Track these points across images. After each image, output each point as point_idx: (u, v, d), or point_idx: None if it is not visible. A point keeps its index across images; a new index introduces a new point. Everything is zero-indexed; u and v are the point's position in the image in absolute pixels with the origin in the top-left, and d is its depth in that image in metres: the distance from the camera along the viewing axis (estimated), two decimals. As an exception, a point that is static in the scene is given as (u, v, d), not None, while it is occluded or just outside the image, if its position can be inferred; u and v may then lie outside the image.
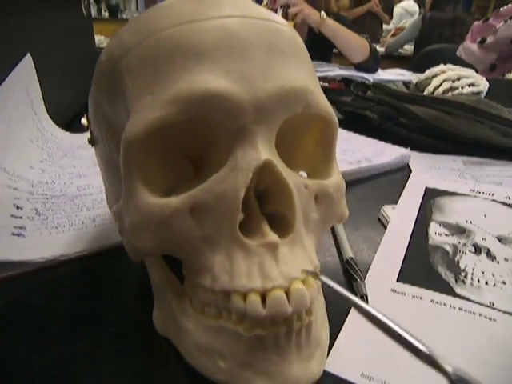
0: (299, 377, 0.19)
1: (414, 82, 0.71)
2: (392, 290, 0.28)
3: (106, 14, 3.35)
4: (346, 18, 2.22)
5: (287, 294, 0.18)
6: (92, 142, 0.28)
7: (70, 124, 0.61)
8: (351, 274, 0.29)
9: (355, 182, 0.47)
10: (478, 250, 0.33)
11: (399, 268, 0.30)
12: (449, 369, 0.14)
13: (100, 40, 1.23)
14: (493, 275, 0.30)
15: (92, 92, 0.25)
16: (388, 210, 0.38)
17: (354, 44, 1.17)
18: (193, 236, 0.19)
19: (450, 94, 0.66)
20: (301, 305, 0.18)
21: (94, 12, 3.11)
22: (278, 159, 0.19)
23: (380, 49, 2.24)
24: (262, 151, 0.18)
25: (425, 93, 0.67)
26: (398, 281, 0.29)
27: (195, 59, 0.18)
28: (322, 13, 1.13)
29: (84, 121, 0.28)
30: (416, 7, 2.93)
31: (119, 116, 0.21)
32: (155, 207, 0.19)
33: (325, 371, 0.21)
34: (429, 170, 0.51)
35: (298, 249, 0.19)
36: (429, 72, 0.70)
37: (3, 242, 0.31)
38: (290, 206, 0.19)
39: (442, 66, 0.71)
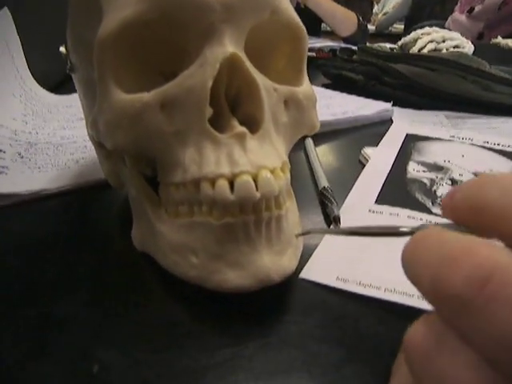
0: (270, 268, 0.19)
1: (400, 43, 0.71)
2: (370, 210, 0.29)
3: None
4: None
5: (255, 181, 0.18)
6: (71, 69, 0.28)
7: (54, 88, 0.61)
8: (325, 202, 0.30)
9: (338, 131, 0.47)
10: (454, 182, 0.34)
11: (377, 194, 0.31)
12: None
13: None
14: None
15: (69, 18, 0.25)
16: (368, 150, 0.39)
17: (341, 17, 1.16)
18: (164, 131, 0.20)
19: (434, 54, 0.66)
20: (268, 191, 0.18)
21: None
22: (246, 57, 0.20)
23: (371, 27, 2.23)
24: (230, 46, 0.19)
25: (411, 51, 0.67)
26: (375, 203, 0.30)
27: None
28: None
29: (62, 49, 0.28)
30: None
31: (95, 30, 0.21)
32: (127, 102, 0.19)
33: (302, 278, 0.22)
34: (411, 124, 0.51)
35: (266, 145, 0.20)
36: (414, 34, 0.70)
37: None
38: (258, 103, 0.20)
39: (427, 28, 0.71)
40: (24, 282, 0.22)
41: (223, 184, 0.18)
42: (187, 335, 0.19)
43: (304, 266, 0.23)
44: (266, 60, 0.25)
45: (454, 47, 0.69)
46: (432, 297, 0.11)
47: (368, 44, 1.23)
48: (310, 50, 1.01)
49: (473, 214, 0.12)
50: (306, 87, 0.23)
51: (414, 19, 1.98)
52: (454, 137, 0.43)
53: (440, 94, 0.56)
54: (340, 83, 0.69)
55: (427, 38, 0.68)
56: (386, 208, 0.29)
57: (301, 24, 0.22)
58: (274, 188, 0.18)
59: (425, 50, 0.67)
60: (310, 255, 0.24)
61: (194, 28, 0.19)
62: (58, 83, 0.63)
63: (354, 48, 1.02)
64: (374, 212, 0.29)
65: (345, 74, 0.66)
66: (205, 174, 0.18)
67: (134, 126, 0.20)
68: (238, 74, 0.19)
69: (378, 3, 2.61)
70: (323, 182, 0.32)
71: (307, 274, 0.23)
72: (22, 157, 0.36)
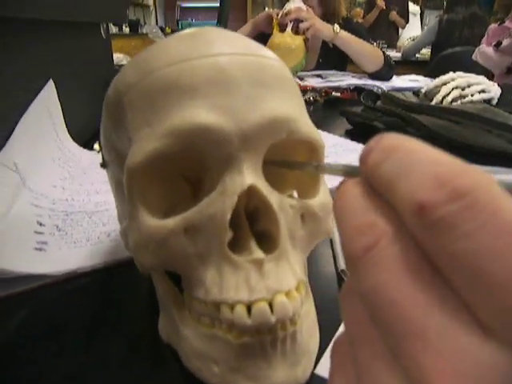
0: (284, 381, 0.20)
1: (423, 91, 0.71)
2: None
3: (126, 30, 3.46)
4: (362, 25, 2.23)
5: (271, 305, 0.19)
6: (104, 165, 0.30)
7: (89, 141, 0.65)
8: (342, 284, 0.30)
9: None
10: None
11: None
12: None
13: (119, 58, 1.28)
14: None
15: (102, 121, 0.28)
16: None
17: (368, 54, 1.17)
18: (188, 253, 0.21)
19: (459, 102, 0.66)
20: (283, 315, 0.19)
21: (114, 28, 3.22)
22: (263, 182, 0.21)
23: (396, 54, 2.23)
24: (248, 176, 0.20)
25: (433, 101, 0.68)
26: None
27: (187, 95, 0.21)
28: (336, 26, 1.14)
29: (96, 146, 0.31)
30: (417, 7, 2.91)
31: (123, 144, 0.24)
32: (154, 228, 0.21)
33: (315, 374, 0.23)
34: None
35: (283, 264, 0.21)
36: (438, 80, 0.70)
37: (27, 256, 0.34)
38: (275, 224, 0.21)
39: (451, 74, 0.71)
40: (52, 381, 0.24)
41: (241, 310, 0.19)
42: None
43: (319, 359, 0.24)
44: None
45: (480, 92, 0.69)
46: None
47: (394, 77, 1.24)
48: (336, 89, 1.03)
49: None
50: (321, 197, 0.24)
51: (441, 45, 1.97)
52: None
53: (464, 148, 0.56)
54: (363, 130, 0.70)
55: (451, 85, 0.68)
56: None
57: (317, 138, 0.23)
58: (289, 312, 0.19)
59: (449, 98, 0.67)
60: (325, 348, 0.24)
61: (213, 157, 0.21)
62: (93, 132, 0.67)
63: (380, 90, 1.03)
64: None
65: (368, 123, 0.67)
66: (225, 299, 0.20)
67: (160, 249, 0.21)
68: (254, 198, 0.21)
69: (403, 29, 2.61)
70: (342, 264, 0.32)
71: (321, 370, 0.23)
72: (60, 230, 0.39)
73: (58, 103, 0.55)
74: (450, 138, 0.56)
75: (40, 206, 0.42)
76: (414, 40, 2.18)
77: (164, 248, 0.21)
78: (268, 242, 0.22)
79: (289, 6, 1.15)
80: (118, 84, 0.24)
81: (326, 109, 0.94)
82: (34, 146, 0.47)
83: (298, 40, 1.15)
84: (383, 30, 2.45)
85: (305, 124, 0.22)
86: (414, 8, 2.82)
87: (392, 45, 2.43)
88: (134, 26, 3.64)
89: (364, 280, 0.11)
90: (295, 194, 0.27)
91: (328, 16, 1.27)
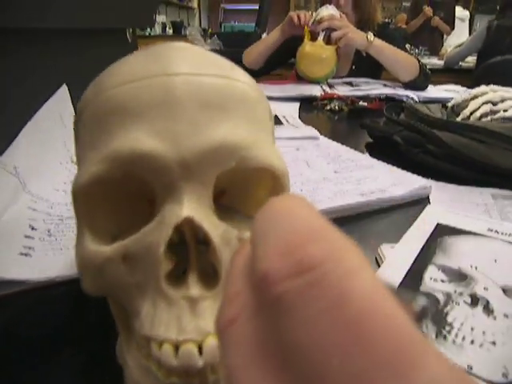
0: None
1: (450, 104, 0.66)
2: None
3: (170, 31, 3.56)
4: (402, 31, 2.15)
5: (201, 347, 0.18)
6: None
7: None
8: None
9: (363, 215, 0.45)
10: (474, 301, 0.30)
11: (377, 316, 0.29)
12: None
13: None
14: (483, 333, 0.27)
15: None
16: (386, 249, 0.37)
17: (403, 63, 1.12)
18: (126, 282, 0.20)
19: (489, 118, 0.61)
20: (212, 359, 0.18)
21: (158, 29, 3.31)
22: (206, 213, 0.20)
23: (438, 62, 2.13)
24: (186, 207, 0.19)
25: (460, 117, 0.63)
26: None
27: (131, 118, 0.20)
28: (370, 34, 1.10)
29: (74, 158, 0.31)
30: (466, 12, 2.75)
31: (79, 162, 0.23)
32: (92, 254, 0.20)
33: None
34: (450, 204, 0.47)
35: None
36: (467, 94, 0.65)
37: (9, 261, 0.34)
38: (215, 260, 0.19)
39: (483, 87, 0.66)
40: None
41: (169, 349, 0.18)
42: None
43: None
44: (249, 190, 0.25)
45: (515, 107, 0.63)
46: None
47: (431, 87, 1.18)
48: (364, 98, 0.99)
49: None
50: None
51: (488, 53, 1.85)
52: (491, 230, 0.39)
53: (488, 169, 0.51)
54: (383, 144, 0.66)
55: (482, 99, 0.63)
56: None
57: (276, 165, 0.21)
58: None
59: (477, 113, 0.62)
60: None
61: (156, 184, 0.20)
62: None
63: (410, 100, 0.98)
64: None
65: (388, 137, 0.64)
66: (154, 336, 0.19)
67: (99, 275, 0.21)
68: (193, 230, 0.19)
69: (448, 35, 2.48)
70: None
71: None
72: (51, 235, 0.39)
73: (71, 108, 0.56)
74: (471, 158, 0.52)
75: (36, 210, 0.43)
76: (459, 47, 2.07)
77: (102, 275, 0.21)
78: (210, 275, 0.20)
79: (321, 13, 1.12)
80: (80, 100, 0.24)
81: (350, 119, 0.90)
82: (41, 149, 0.49)
83: (330, 50, 1.12)
84: (426, 36, 2.35)
85: (261, 150, 0.21)
86: (462, 13, 2.67)
87: (435, 52, 2.32)
88: (178, 28, 3.74)
89: (224, 355, 0.10)
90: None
91: (363, 23, 1.23)
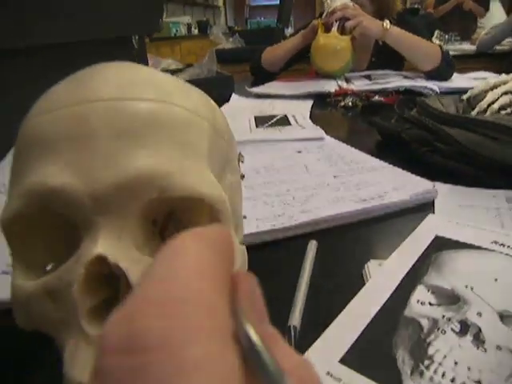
0: None
1: (466, 96, 0.61)
2: (328, 373, 0.24)
3: (195, 31, 3.57)
4: (431, 16, 2.05)
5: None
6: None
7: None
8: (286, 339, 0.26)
9: (356, 225, 0.42)
10: (464, 328, 0.27)
11: (350, 345, 0.26)
12: None
13: (168, 63, 1.30)
14: (468, 369, 0.24)
15: None
16: (373, 266, 0.34)
17: (422, 52, 1.05)
18: (52, 318, 0.20)
19: (508, 110, 0.56)
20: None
21: (184, 30, 3.33)
22: (126, 248, 0.18)
23: (470, 47, 1.99)
24: (101, 244, 0.18)
25: (476, 110, 0.58)
26: (340, 361, 0.25)
27: (45, 150, 0.19)
28: (386, 22, 1.04)
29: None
30: None
31: None
32: (17, 288, 0.20)
33: None
34: (457, 210, 0.43)
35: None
36: (485, 84, 0.60)
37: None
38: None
39: (503, 76, 0.60)
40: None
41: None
42: None
43: None
44: (191, 217, 0.23)
45: (541, 98, 0.57)
46: None
47: (456, 75, 1.10)
48: (381, 92, 0.94)
49: None
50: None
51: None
52: (496, 243, 0.35)
53: (502, 169, 0.46)
54: (393, 142, 0.62)
55: (501, 89, 0.58)
56: (346, 374, 0.24)
57: (206, 192, 0.19)
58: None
59: (496, 105, 0.56)
60: None
61: (73, 220, 0.19)
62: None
63: (430, 92, 0.92)
64: (331, 376, 0.24)
65: (397, 135, 0.60)
66: (70, 377, 0.18)
67: (26, 310, 0.20)
68: (108, 268, 0.18)
69: (482, 17, 2.31)
70: (293, 319, 0.28)
71: None
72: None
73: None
74: (484, 156, 0.47)
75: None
76: (493, 30, 1.92)
77: (29, 310, 0.20)
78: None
79: (334, 4, 1.07)
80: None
81: (364, 115, 0.86)
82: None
83: (345, 40, 1.08)
84: (457, 20, 2.20)
85: (187, 178, 0.19)
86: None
87: (467, 37, 2.17)
88: (203, 27, 3.75)
89: None
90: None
91: (382, 12, 1.17)
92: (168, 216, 0.24)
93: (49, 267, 0.22)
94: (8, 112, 0.49)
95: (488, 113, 0.56)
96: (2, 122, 0.48)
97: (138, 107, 0.19)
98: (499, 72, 1.17)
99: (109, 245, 0.18)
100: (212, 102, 0.25)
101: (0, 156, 0.46)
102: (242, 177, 0.29)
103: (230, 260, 0.11)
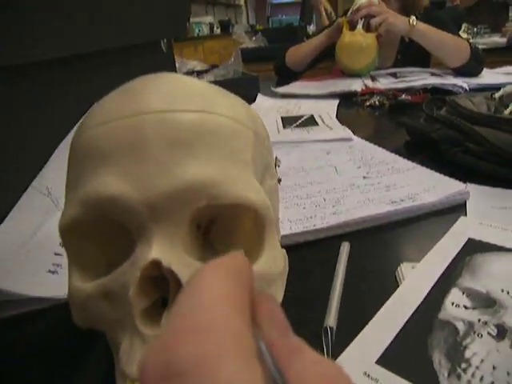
0: None
1: (498, 94, 0.60)
2: (365, 373, 0.25)
3: (217, 31, 3.60)
4: (457, 9, 1.99)
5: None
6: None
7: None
8: (323, 346, 0.27)
9: (387, 226, 0.42)
10: (501, 333, 0.27)
11: (386, 346, 0.27)
12: None
13: (193, 64, 1.32)
14: (508, 374, 0.24)
15: None
16: (406, 268, 0.34)
17: (451, 47, 1.03)
18: (108, 317, 0.21)
19: (544, 109, 0.54)
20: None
21: (206, 30, 3.36)
22: (178, 253, 0.20)
23: (501, 40, 1.93)
24: (155, 250, 0.19)
25: (509, 109, 0.56)
26: (377, 362, 0.26)
27: (101, 161, 0.20)
28: (412, 18, 1.02)
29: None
30: None
31: None
32: (75, 290, 0.21)
33: None
34: (489, 212, 0.43)
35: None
36: (519, 83, 0.58)
37: (37, 279, 0.37)
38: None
39: (539, 75, 0.58)
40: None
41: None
42: None
43: None
44: (236, 221, 0.24)
45: None
46: None
47: (486, 71, 1.07)
48: (408, 91, 0.93)
49: None
50: (261, 264, 0.21)
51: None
52: (534, 246, 0.35)
53: (539, 170, 0.46)
54: (423, 143, 0.62)
55: (536, 88, 0.56)
56: (384, 374, 0.25)
57: (252, 200, 0.21)
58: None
59: (530, 105, 0.55)
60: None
61: (129, 225, 0.20)
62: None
63: (459, 90, 0.91)
64: (369, 376, 0.25)
65: (427, 135, 0.59)
66: (128, 373, 0.19)
67: (83, 310, 0.21)
68: (163, 272, 0.19)
69: (513, 7, 2.22)
70: (329, 320, 0.29)
71: None
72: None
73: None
74: (518, 158, 0.46)
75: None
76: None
77: (87, 310, 0.21)
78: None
79: (359, 2, 1.07)
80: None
81: (391, 115, 0.85)
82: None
83: (370, 38, 1.07)
84: (485, 12, 2.12)
85: (233, 186, 0.20)
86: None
87: (498, 29, 2.09)
88: (226, 27, 3.77)
89: None
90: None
91: (408, 8, 1.15)
92: (211, 221, 0.25)
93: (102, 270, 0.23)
94: (49, 122, 0.52)
95: (520, 112, 0.55)
96: (45, 131, 0.51)
97: (187, 118, 0.20)
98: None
99: (162, 250, 0.19)
100: (252, 109, 0.26)
101: (43, 160, 0.48)
102: (279, 181, 0.30)
103: (248, 284, 0.12)
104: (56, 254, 0.41)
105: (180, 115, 0.20)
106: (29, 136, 0.48)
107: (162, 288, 0.21)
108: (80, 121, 0.24)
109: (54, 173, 0.47)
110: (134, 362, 0.19)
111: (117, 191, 0.19)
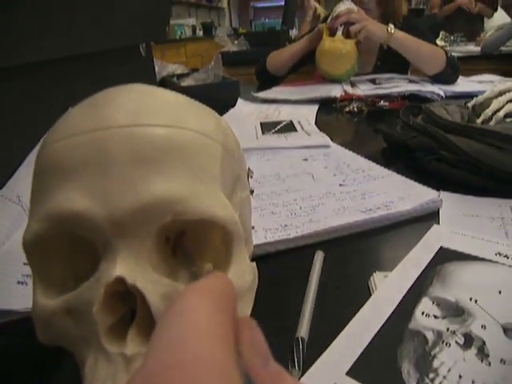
0: None
1: (471, 104, 0.62)
2: (335, 385, 0.25)
3: (200, 33, 3.59)
4: (436, 17, 2.04)
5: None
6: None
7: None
8: (294, 357, 0.27)
9: (361, 235, 0.43)
10: (468, 341, 0.27)
11: (357, 357, 0.27)
12: None
13: (173, 67, 1.31)
14: (473, 383, 0.25)
15: None
16: (379, 277, 0.34)
17: (427, 56, 1.06)
18: (72, 334, 0.20)
19: (514, 118, 0.56)
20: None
21: (188, 32, 3.35)
22: (144, 270, 0.19)
23: (475, 48, 1.98)
24: (120, 266, 0.19)
25: (481, 118, 0.58)
26: (347, 374, 0.26)
27: (65, 177, 0.19)
28: (390, 26, 1.04)
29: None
30: None
31: None
32: (38, 307, 0.21)
33: None
34: (461, 219, 0.44)
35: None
36: (490, 91, 0.60)
37: (6, 291, 0.36)
38: (154, 317, 0.19)
39: (509, 83, 0.60)
40: None
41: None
42: None
43: None
44: (204, 236, 0.24)
45: (546, 105, 0.58)
46: None
47: (461, 79, 1.10)
48: (386, 97, 0.94)
49: None
50: (231, 277, 0.21)
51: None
52: (501, 255, 0.36)
53: (508, 178, 0.47)
54: (399, 150, 0.63)
55: (506, 97, 0.58)
56: (353, 386, 0.25)
57: (218, 215, 0.20)
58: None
59: (501, 113, 0.57)
60: None
61: (93, 241, 0.20)
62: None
63: (436, 97, 0.93)
64: (339, 388, 0.25)
65: (403, 143, 0.60)
66: (91, 394, 0.18)
67: (47, 327, 0.21)
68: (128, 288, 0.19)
69: (490, 18, 2.30)
70: (300, 331, 0.29)
71: None
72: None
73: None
74: (488, 165, 0.48)
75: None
76: (499, 30, 1.90)
77: (50, 327, 0.21)
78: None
79: (339, 9, 1.08)
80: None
81: (369, 121, 0.86)
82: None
83: (349, 44, 1.08)
84: (462, 22, 2.19)
85: (199, 202, 0.20)
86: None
87: (472, 38, 2.16)
88: (208, 29, 3.76)
89: None
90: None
91: (388, 16, 1.17)
92: (180, 233, 0.24)
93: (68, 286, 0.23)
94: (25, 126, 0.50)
95: (493, 120, 0.57)
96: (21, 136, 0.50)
97: (152, 133, 0.20)
98: (505, 73, 1.17)
99: (127, 266, 0.19)
100: (223, 121, 0.26)
101: (14, 167, 0.47)
102: (252, 192, 0.29)
103: (231, 309, 0.12)
104: (25, 264, 0.40)
105: (145, 130, 0.20)
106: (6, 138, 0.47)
107: (130, 301, 0.21)
108: (46, 134, 0.24)
109: (25, 181, 0.46)
110: (97, 381, 0.18)
111: (81, 207, 0.19)
